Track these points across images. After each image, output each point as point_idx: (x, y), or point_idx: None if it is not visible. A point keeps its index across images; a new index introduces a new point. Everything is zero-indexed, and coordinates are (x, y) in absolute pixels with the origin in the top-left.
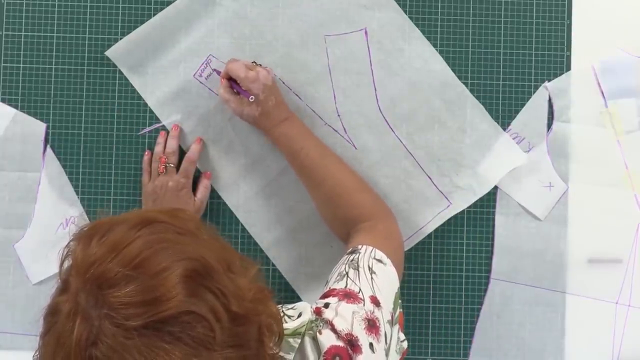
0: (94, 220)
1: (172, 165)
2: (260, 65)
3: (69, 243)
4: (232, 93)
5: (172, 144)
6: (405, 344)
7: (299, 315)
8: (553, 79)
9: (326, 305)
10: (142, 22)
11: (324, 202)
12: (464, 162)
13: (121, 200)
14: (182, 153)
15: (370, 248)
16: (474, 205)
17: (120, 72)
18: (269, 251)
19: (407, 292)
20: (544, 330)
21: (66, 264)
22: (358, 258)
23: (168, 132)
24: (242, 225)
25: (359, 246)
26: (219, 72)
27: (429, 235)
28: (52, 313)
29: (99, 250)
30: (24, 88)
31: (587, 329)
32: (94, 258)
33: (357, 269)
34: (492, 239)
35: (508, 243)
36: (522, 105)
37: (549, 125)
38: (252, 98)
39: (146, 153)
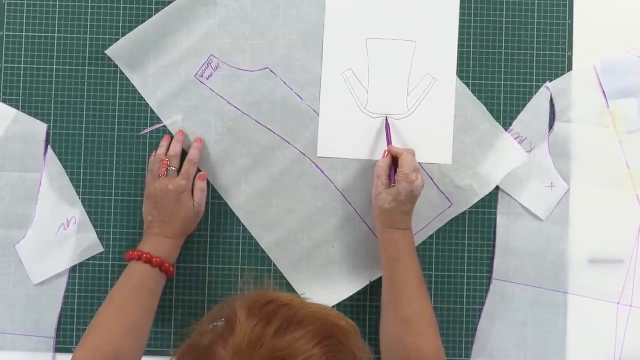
0: (277, 295)
1: (173, 168)
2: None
3: (233, 300)
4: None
5: (176, 148)
6: None
7: None
8: (554, 79)
9: None
10: (142, 22)
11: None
12: (465, 163)
13: (122, 200)
14: (184, 156)
15: None
16: (475, 205)
17: (121, 73)
18: (270, 252)
19: None
20: (546, 331)
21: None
22: None
23: (172, 136)
24: (243, 225)
25: None
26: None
27: (430, 236)
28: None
29: (269, 344)
30: (25, 88)
31: (589, 329)
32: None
33: None
34: (494, 240)
35: (509, 243)
36: (524, 106)
37: (551, 126)
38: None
39: (153, 153)
